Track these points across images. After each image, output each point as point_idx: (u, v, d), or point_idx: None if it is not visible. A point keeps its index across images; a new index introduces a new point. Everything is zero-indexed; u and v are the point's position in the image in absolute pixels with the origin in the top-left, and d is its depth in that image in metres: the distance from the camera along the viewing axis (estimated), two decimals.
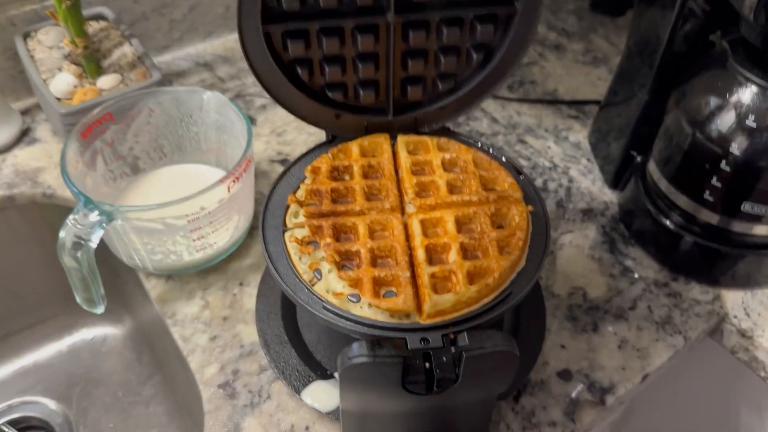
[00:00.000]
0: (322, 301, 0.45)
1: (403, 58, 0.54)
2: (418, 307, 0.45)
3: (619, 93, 0.72)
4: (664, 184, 0.63)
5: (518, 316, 0.59)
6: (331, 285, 0.46)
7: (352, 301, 0.45)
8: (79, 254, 0.54)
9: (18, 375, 0.85)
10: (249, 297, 0.62)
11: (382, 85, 0.55)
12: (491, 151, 0.57)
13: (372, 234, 0.49)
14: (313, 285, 0.47)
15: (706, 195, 0.59)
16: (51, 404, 0.83)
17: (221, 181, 0.57)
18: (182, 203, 0.55)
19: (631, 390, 0.57)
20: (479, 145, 0.57)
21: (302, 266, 0.47)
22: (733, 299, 0.64)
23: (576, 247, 0.68)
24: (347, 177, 0.53)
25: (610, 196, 0.73)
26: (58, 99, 0.69)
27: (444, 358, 0.42)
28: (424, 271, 0.46)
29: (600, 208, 0.72)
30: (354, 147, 0.55)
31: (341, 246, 0.47)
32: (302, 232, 0.49)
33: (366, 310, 0.45)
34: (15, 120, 0.77)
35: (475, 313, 0.45)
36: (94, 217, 0.55)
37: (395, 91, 0.55)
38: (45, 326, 0.87)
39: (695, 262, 0.64)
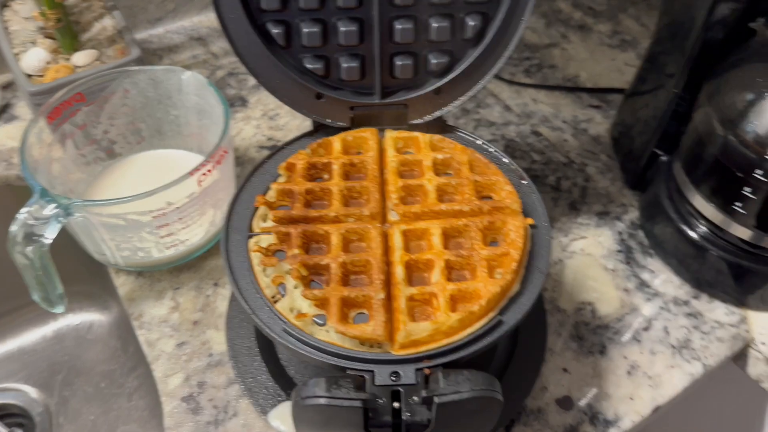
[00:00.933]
0: (283, 322, 0.40)
1: (390, 24, 0.47)
2: (391, 335, 0.39)
3: (648, 81, 0.65)
4: (690, 191, 0.56)
5: (516, 334, 0.53)
6: (296, 303, 0.41)
7: (318, 324, 0.40)
8: (31, 251, 0.49)
9: (0, 360, 0.82)
10: (223, 299, 0.57)
11: (368, 59, 0.48)
12: (493, 151, 0.50)
13: (347, 245, 0.43)
14: (275, 302, 0.41)
15: (737, 206, 0.52)
16: (32, 392, 0.79)
17: (190, 173, 0.52)
18: (145, 198, 0.50)
19: (639, 423, 0.51)
20: (480, 143, 0.51)
21: (265, 279, 0.42)
22: (761, 323, 0.57)
23: (588, 255, 0.61)
24: (326, 176, 0.48)
25: (630, 199, 0.66)
26: (29, 76, 0.64)
27: (416, 398, 0.37)
28: (402, 293, 0.40)
29: (618, 211, 0.65)
30: (336, 142, 0.49)
31: (309, 258, 0.42)
32: (269, 240, 0.43)
33: (332, 335, 0.39)
34: None
35: (457, 344, 0.39)
36: (49, 210, 0.50)
37: (383, 70, 0.49)
38: (30, 310, 0.84)
39: (721, 279, 0.57)
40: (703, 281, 0.58)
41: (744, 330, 0.56)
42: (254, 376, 0.50)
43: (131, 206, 0.51)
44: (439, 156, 0.48)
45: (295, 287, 0.41)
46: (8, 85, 0.75)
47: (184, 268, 0.59)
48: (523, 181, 0.48)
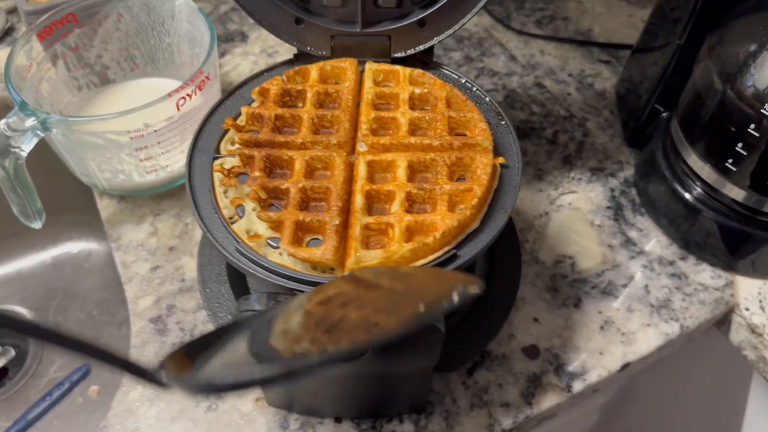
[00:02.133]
0: (237, 242, 0.40)
1: None
2: (342, 262, 0.38)
3: (654, 35, 0.62)
4: (685, 149, 0.54)
5: (488, 280, 0.52)
6: (253, 225, 0.40)
7: (272, 246, 0.39)
8: (7, 162, 0.49)
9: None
10: None
11: None
12: (476, 90, 0.49)
13: (312, 172, 0.43)
14: (232, 223, 0.41)
15: (729, 164, 0.50)
16: (27, 315, 0.82)
17: (168, 95, 0.51)
18: (121, 118, 0.50)
19: (607, 378, 0.50)
20: (464, 81, 0.49)
21: (224, 200, 0.42)
22: (748, 289, 0.55)
23: (576, 209, 0.60)
24: (300, 104, 0.47)
25: (627, 156, 0.64)
26: None
27: None
28: (358, 221, 0.39)
29: (613, 168, 0.63)
30: (313, 70, 0.48)
31: (270, 182, 0.41)
32: (233, 162, 0.43)
33: (285, 258, 0.39)
34: None
35: None
36: (28, 123, 0.50)
37: None
38: (31, 235, 0.85)
39: (711, 241, 0.55)
40: (692, 242, 0.56)
41: (729, 295, 0.54)
42: (221, 302, 0.50)
43: (108, 125, 0.51)
44: (417, 90, 0.47)
45: (253, 209, 0.41)
46: (13, 10, 0.76)
47: (166, 195, 0.59)
48: (501, 121, 0.47)
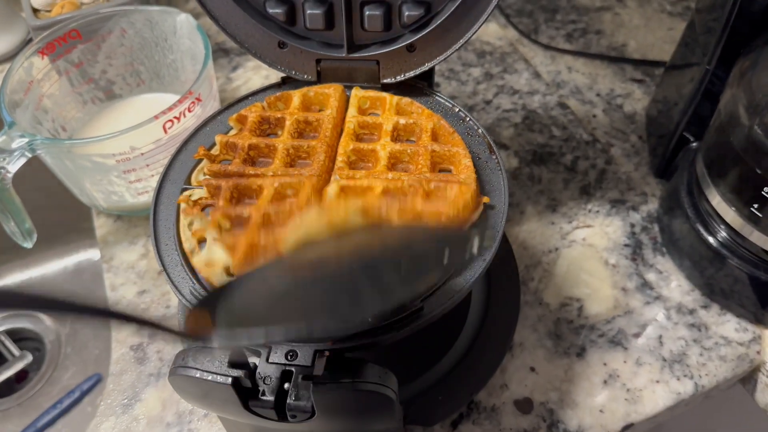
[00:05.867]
0: (194, 282, 0.38)
1: None
2: None
3: (686, 54, 0.56)
4: (708, 187, 0.48)
5: (482, 320, 0.48)
6: (213, 255, 0.38)
7: (229, 276, 0.37)
8: None
9: (23, 286, 0.86)
10: None
11: (336, 7, 0.44)
12: (469, 120, 0.45)
13: (281, 201, 0.40)
14: (192, 257, 0.39)
15: (755, 209, 0.44)
16: (47, 320, 0.83)
17: (155, 117, 0.50)
18: (106, 140, 0.49)
19: None
20: (457, 110, 0.46)
21: (187, 233, 0.40)
22: None
23: (589, 246, 0.55)
24: (280, 132, 0.44)
25: (653, 188, 0.59)
26: (36, 10, 0.64)
27: (303, 381, 0.33)
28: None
29: (636, 201, 0.58)
30: (296, 96, 0.46)
31: (232, 210, 0.39)
32: (201, 194, 0.41)
33: None
34: (20, 28, 0.74)
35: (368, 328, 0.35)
36: (16, 144, 0.50)
37: (353, 20, 0.44)
38: (53, 243, 0.87)
39: (738, 290, 0.49)
40: (717, 290, 0.51)
41: (755, 351, 0.48)
42: None
43: (93, 148, 0.50)
44: (402, 120, 0.43)
45: (215, 239, 0.38)
46: None
47: None
48: (493, 156, 0.43)
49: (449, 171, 0.41)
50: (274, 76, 0.70)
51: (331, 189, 0.39)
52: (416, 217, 0.36)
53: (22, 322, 0.83)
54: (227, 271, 0.37)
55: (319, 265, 0.30)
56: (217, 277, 0.37)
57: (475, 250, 0.29)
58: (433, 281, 0.27)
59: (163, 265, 0.38)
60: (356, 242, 0.32)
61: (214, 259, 0.38)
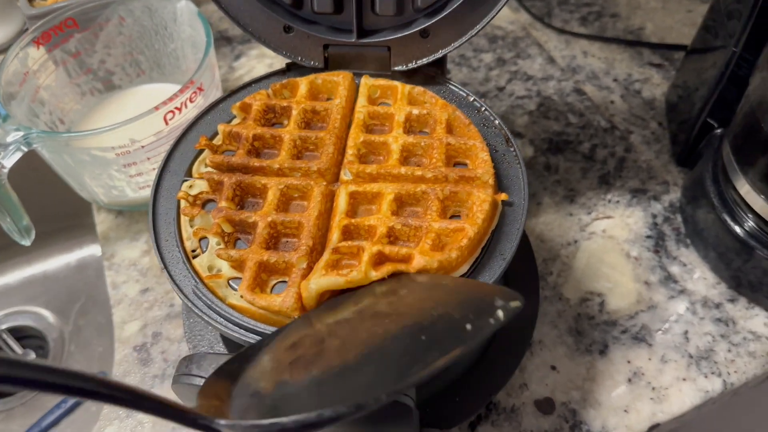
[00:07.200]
0: (196, 281, 0.36)
1: None
2: (304, 308, 0.34)
3: (717, 34, 0.54)
4: (736, 175, 0.46)
5: None
6: (215, 262, 0.36)
7: (233, 289, 0.35)
8: None
9: (26, 283, 0.84)
10: None
11: None
12: (485, 110, 0.43)
13: (288, 202, 0.38)
14: (195, 256, 0.37)
15: None
16: (50, 317, 0.81)
17: (155, 108, 0.48)
18: (105, 133, 0.47)
19: None
20: (471, 99, 0.43)
21: (188, 230, 0.38)
22: None
23: (610, 238, 0.53)
24: (285, 122, 0.42)
25: (675, 176, 0.56)
26: (31, 0, 0.62)
27: None
28: (322, 260, 0.34)
29: (657, 190, 0.55)
30: (303, 84, 0.43)
31: (236, 214, 0.37)
32: (201, 186, 0.39)
33: (245, 302, 0.35)
34: (15, 17, 0.72)
35: None
36: (11, 137, 0.47)
37: (363, 3, 0.42)
38: (56, 238, 0.85)
39: (767, 282, 0.47)
40: (744, 282, 0.49)
41: None
42: (203, 334, 0.47)
43: (91, 141, 0.48)
44: (415, 111, 0.41)
45: (218, 244, 0.36)
46: None
47: None
48: (510, 148, 0.40)
49: (465, 165, 0.39)
50: (279, 64, 0.67)
51: (341, 201, 0.37)
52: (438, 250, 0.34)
53: (25, 320, 0.81)
54: (232, 287, 0.35)
55: (347, 338, 0.28)
56: (222, 290, 0.35)
57: (501, 316, 0.26)
58: (456, 355, 0.24)
59: (163, 262, 0.36)
60: (380, 309, 0.30)
61: (220, 269, 0.36)
